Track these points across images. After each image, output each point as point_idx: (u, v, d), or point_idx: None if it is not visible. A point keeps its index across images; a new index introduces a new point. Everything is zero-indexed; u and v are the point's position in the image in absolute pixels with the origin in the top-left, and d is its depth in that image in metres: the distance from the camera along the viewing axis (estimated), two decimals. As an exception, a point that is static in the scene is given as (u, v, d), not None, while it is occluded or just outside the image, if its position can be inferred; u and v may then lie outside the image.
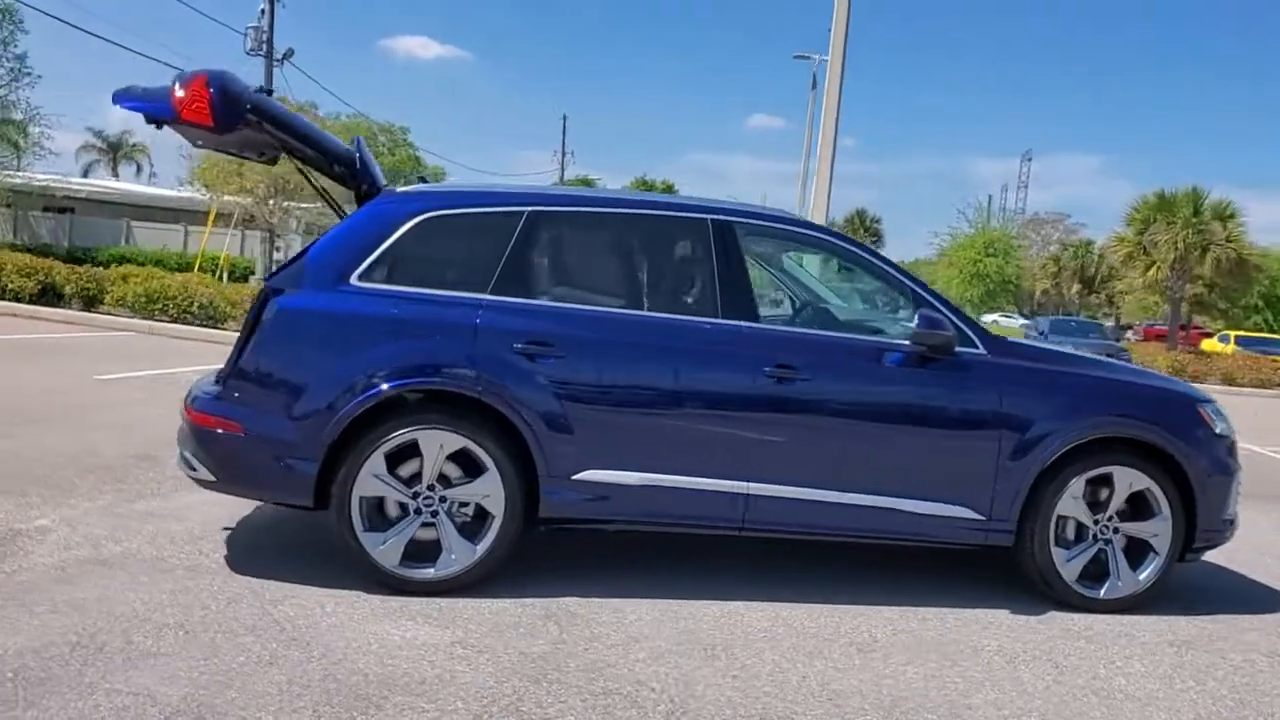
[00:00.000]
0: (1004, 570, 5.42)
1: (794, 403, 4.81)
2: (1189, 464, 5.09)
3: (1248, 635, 4.95)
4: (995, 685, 4.04)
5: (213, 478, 4.58)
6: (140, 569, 4.57)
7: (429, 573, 4.57)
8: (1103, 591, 5.11)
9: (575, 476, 4.65)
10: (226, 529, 5.29)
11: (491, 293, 4.69)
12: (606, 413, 4.69)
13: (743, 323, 4.84)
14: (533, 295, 4.78)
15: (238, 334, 4.87)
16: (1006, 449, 4.94)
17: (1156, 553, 5.14)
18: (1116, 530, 5.14)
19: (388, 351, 4.53)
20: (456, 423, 4.55)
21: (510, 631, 4.20)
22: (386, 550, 4.54)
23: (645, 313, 4.87)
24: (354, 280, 4.63)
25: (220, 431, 4.53)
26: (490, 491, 4.59)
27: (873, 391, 4.94)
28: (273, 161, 5.58)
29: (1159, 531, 5.13)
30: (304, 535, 5.26)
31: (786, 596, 4.90)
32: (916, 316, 4.88)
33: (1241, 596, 5.69)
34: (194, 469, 4.61)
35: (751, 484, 4.78)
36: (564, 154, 67.33)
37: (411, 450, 4.59)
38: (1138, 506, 5.14)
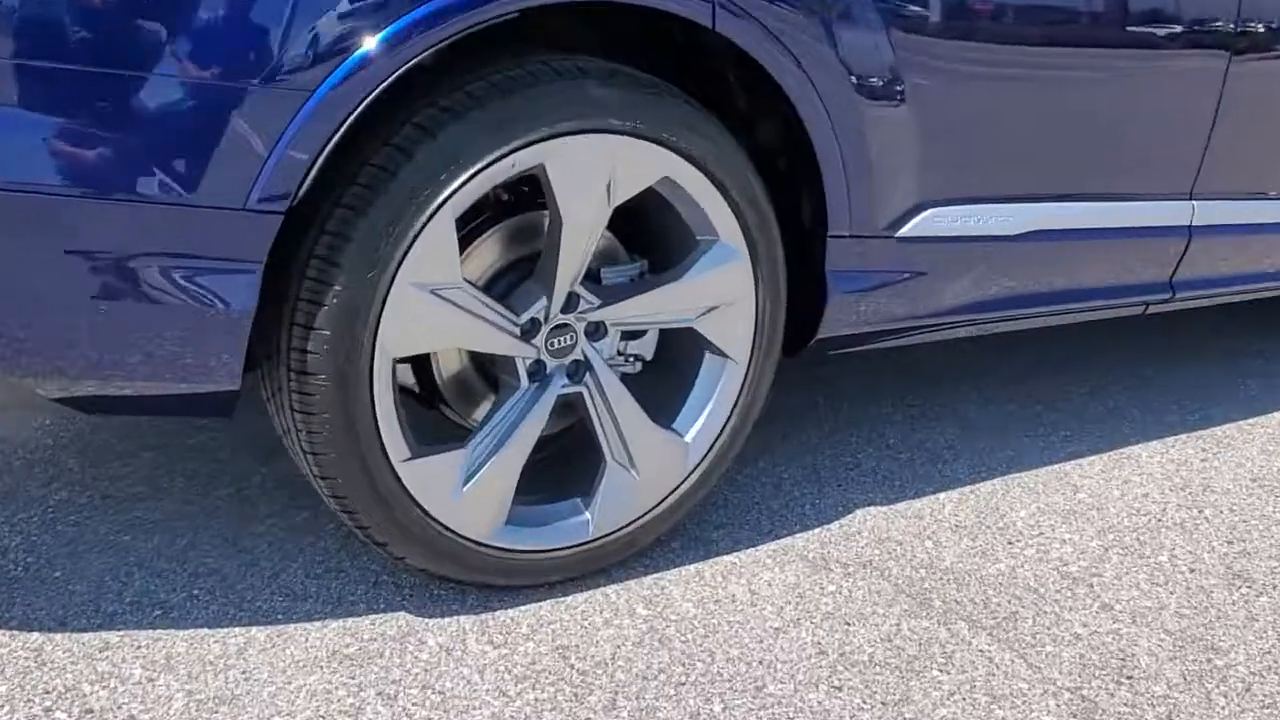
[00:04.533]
0: None
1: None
2: None
3: None
4: None
5: None
6: None
7: (581, 524, 1.68)
8: None
9: (906, 230, 1.82)
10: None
11: None
12: (984, 69, 1.83)
13: None
14: None
15: None
16: None
17: None
18: None
19: None
20: (651, 110, 1.52)
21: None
22: (478, 495, 1.57)
23: None
24: None
25: None
26: (725, 293, 1.69)
27: None
28: None
29: None
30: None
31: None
32: None
33: None
34: None
35: (1198, 204, 2.19)
36: None
37: (508, 204, 1.58)
38: None
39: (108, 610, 1.58)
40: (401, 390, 1.62)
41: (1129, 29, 1.96)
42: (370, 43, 1.29)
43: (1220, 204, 2.22)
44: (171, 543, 1.76)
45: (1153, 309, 2.28)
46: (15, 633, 1.51)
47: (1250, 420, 2.50)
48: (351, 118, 1.33)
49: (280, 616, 1.59)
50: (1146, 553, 1.91)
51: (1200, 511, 2.07)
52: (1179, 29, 2.00)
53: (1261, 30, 2.10)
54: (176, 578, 1.67)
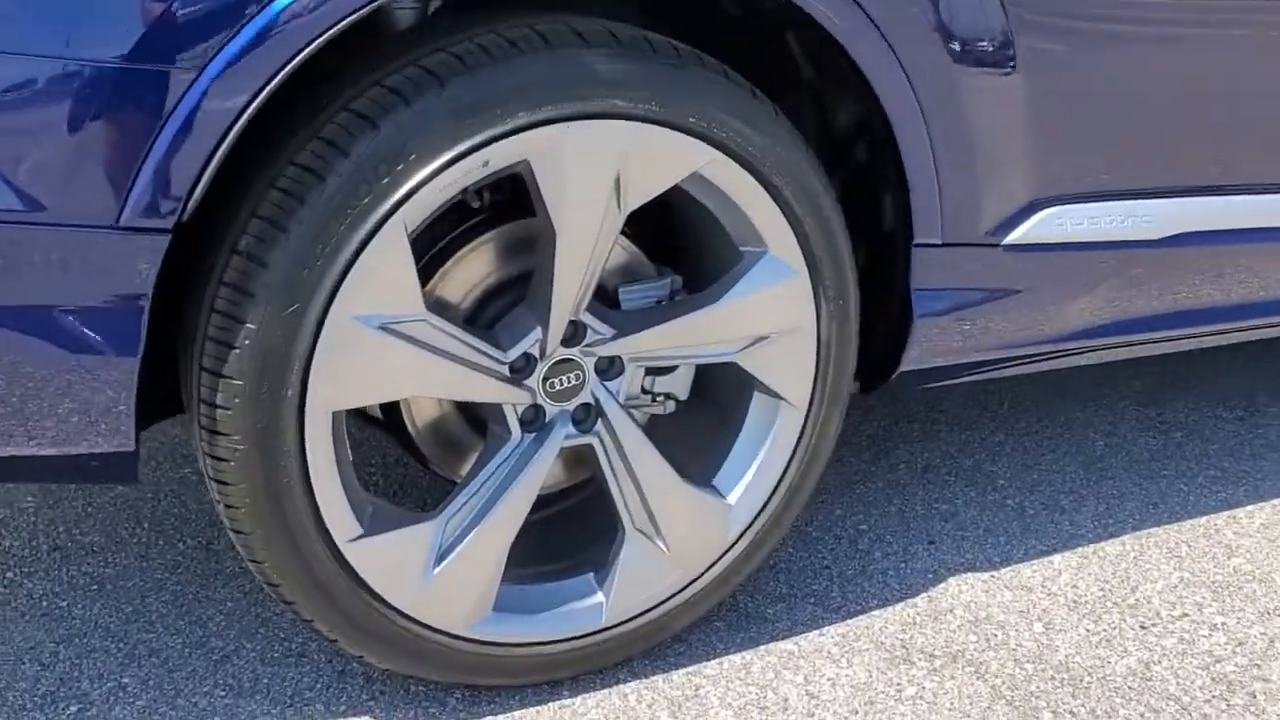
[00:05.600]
0: None
1: None
2: None
3: None
4: None
5: None
6: None
7: (593, 607, 1.34)
8: None
9: (1015, 236, 1.42)
10: None
11: None
12: (1115, 24, 1.41)
13: None
14: None
15: None
16: None
17: None
18: None
19: None
20: (671, 85, 1.16)
21: None
22: (451, 580, 1.24)
23: None
24: None
25: None
26: (776, 319, 1.32)
27: None
28: None
29: None
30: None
31: None
32: None
33: None
34: None
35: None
36: None
37: (490, 213, 1.25)
38: None
39: (14, 703, 1.30)
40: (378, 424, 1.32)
41: None
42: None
43: None
44: (115, 610, 1.48)
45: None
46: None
47: None
48: (257, 101, 1.00)
49: (218, 718, 1.29)
50: (1328, 647, 1.49)
51: (1400, 588, 1.63)
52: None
53: None
54: (109, 659, 1.38)
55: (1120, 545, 1.71)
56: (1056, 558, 1.68)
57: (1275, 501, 1.85)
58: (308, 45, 1.00)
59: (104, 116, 0.97)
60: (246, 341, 1.06)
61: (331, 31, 1.01)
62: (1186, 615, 1.55)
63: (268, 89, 1.00)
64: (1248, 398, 2.24)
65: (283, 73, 1.00)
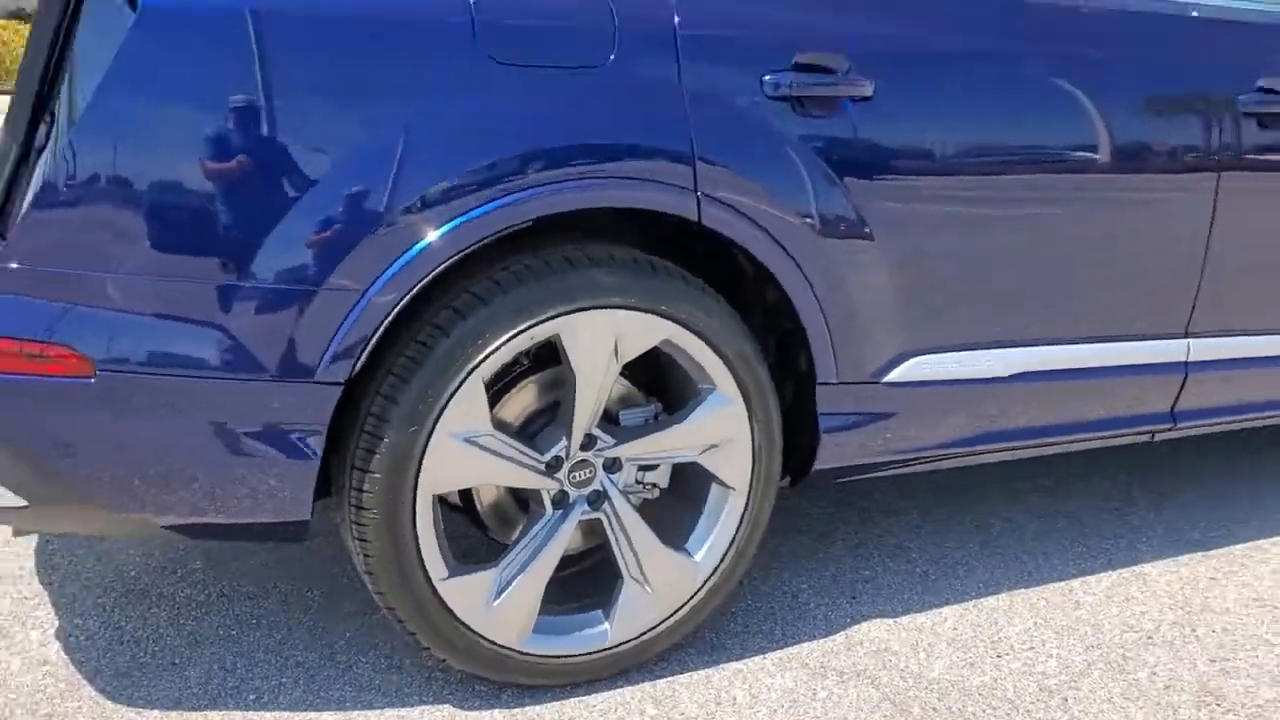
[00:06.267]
0: None
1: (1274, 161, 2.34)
2: None
3: None
4: None
5: (17, 500, 1.70)
6: None
7: (600, 633, 1.97)
8: None
9: (892, 376, 2.07)
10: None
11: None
12: (952, 226, 2.07)
13: None
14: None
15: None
16: None
17: None
18: None
19: (474, 110, 1.68)
20: (648, 286, 1.84)
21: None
22: (508, 607, 1.88)
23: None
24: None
25: (28, 377, 1.62)
26: (722, 434, 1.97)
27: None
28: None
29: None
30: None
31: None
32: None
33: None
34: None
35: (1195, 342, 2.36)
36: None
37: (533, 363, 1.92)
38: None
39: (213, 693, 1.94)
40: (455, 509, 1.96)
41: (1097, 169, 2.15)
42: (421, 239, 1.64)
43: (1220, 340, 2.38)
44: (269, 635, 2.12)
45: (1159, 437, 2.45)
46: (141, 710, 1.88)
47: (1271, 540, 2.61)
48: (399, 305, 1.68)
49: (349, 704, 1.92)
50: (1128, 668, 2.08)
51: (1193, 630, 2.22)
52: (1152, 164, 2.20)
53: (1255, 159, 2.28)
54: (269, 667, 2.02)
55: (995, 600, 2.32)
56: (945, 609, 2.28)
57: (1122, 570, 2.45)
58: (433, 270, 1.68)
59: (310, 314, 1.64)
60: (383, 450, 1.72)
61: (447, 262, 1.69)
62: (1032, 648, 2.15)
63: (407, 296, 1.68)
64: (1124, 492, 2.85)
65: (417, 286, 1.68)
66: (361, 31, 1.64)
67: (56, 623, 2.15)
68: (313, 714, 1.90)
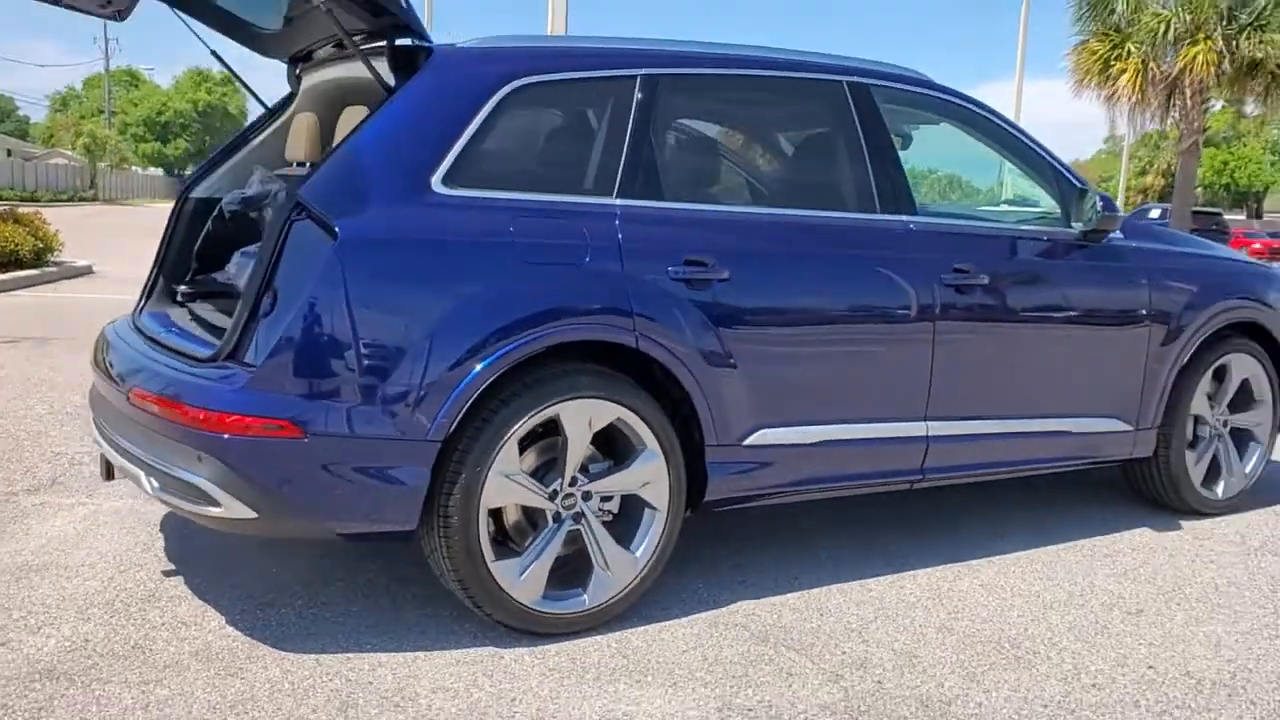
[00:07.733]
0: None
1: (972, 315, 3.85)
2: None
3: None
4: None
5: (251, 513, 2.90)
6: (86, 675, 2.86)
7: (581, 600, 3.23)
8: (1220, 491, 4.70)
9: (748, 441, 3.44)
10: (169, 573, 3.56)
11: (619, 196, 3.29)
12: (778, 352, 3.49)
13: (909, 217, 3.78)
14: (662, 195, 3.40)
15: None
16: (1154, 345, 4.32)
17: (1259, 442, 4.81)
18: (1226, 424, 4.73)
19: (515, 289, 3.04)
20: (608, 386, 3.18)
21: (754, 669, 3.02)
22: (528, 581, 3.13)
23: (810, 212, 3.65)
24: (437, 185, 3.05)
25: (267, 438, 2.85)
26: (651, 477, 3.29)
27: (1045, 294, 4.07)
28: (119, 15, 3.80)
29: (1262, 420, 4.80)
30: (310, 568, 3.63)
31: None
32: (1097, 199, 4.05)
33: None
34: (214, 503, 2.90)
35: (932, 424, 3.81)
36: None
37: (543, 432, 3.20)
38: (1241, 395, 4.75)
39: (342, 642, 3.11)
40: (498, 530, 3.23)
41: (861, 319, 3.64)
42: (477, 367, 2.96)
43: (949, 422, 3.85)
44: (378, 617, 3.29)
45: (916, 486, 3.87)
46: (350, 655, 3.04)
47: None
48: (470, 400, 2.97)
49: (429, 645, 3.11)
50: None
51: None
52: (894, 317, 3.69)
53: (956, 312, 3.78)
54: (379, 631, 3.19)
55: (881, 586, 3.65)
56: (783, 596, 3.60)
57: (1000, 565, 3.82)
58: (492, 377, 2.98)
59: (425, 405, 2.92)
60: (460, 482, 2.98)
61: (498, 372, 2.99)
62: (898, 624, 3.48)
63: (476, 393, 2.97)
64: (1001, 522, 4.26)
65: (482, 387, 2.97)
66: (458, 250, 3.00)
67: (235, 602, 3.28)
68: (420, 654, 3.09)
